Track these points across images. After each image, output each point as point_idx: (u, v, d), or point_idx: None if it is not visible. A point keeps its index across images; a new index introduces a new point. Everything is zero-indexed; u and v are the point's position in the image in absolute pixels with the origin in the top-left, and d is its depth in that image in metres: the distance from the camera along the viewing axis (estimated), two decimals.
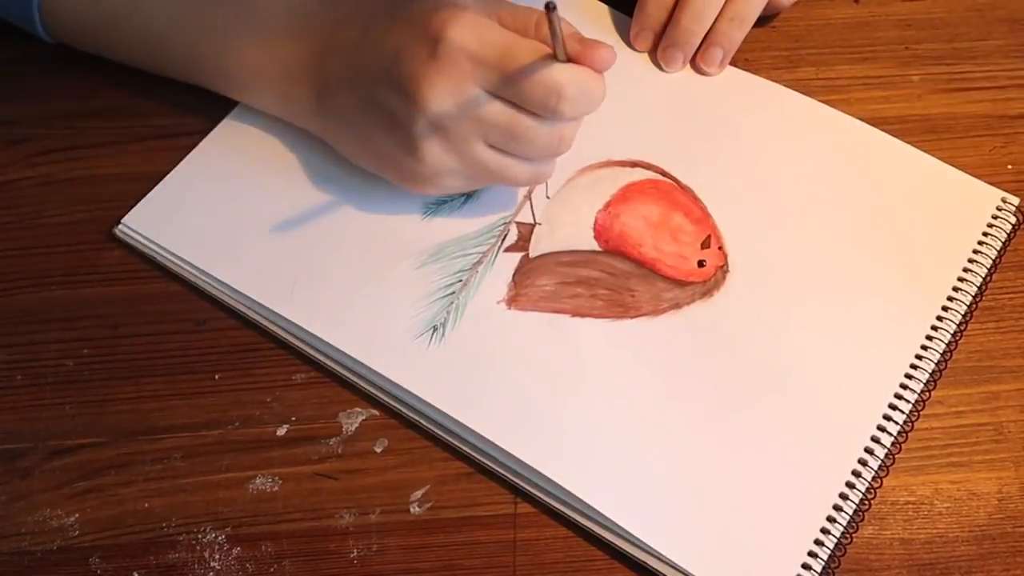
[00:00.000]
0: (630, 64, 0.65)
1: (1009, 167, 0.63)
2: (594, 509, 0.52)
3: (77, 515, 0.53)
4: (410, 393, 0.54)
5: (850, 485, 0.53)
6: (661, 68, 0.65)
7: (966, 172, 0.62)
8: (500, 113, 0.52)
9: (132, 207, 0.60)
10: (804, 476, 0.53)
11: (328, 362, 0.56)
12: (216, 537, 0.52)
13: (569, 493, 0.52)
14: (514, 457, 0.53)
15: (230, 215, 0.59)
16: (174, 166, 0.61)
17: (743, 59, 0.66)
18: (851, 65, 0.67)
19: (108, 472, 0.54)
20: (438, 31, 0.51)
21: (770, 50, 0.67)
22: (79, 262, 0.60)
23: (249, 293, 0.57)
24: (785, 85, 0.65)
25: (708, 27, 0.64)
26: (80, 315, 0.58)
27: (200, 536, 0.52)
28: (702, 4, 0.63)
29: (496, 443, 0.53)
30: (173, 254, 0.58)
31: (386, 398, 0.55)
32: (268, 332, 0.57)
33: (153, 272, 0.59)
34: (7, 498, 0.53)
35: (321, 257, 0.58)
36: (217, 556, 0.52)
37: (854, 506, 0.52)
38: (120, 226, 0.59)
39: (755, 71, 0.66)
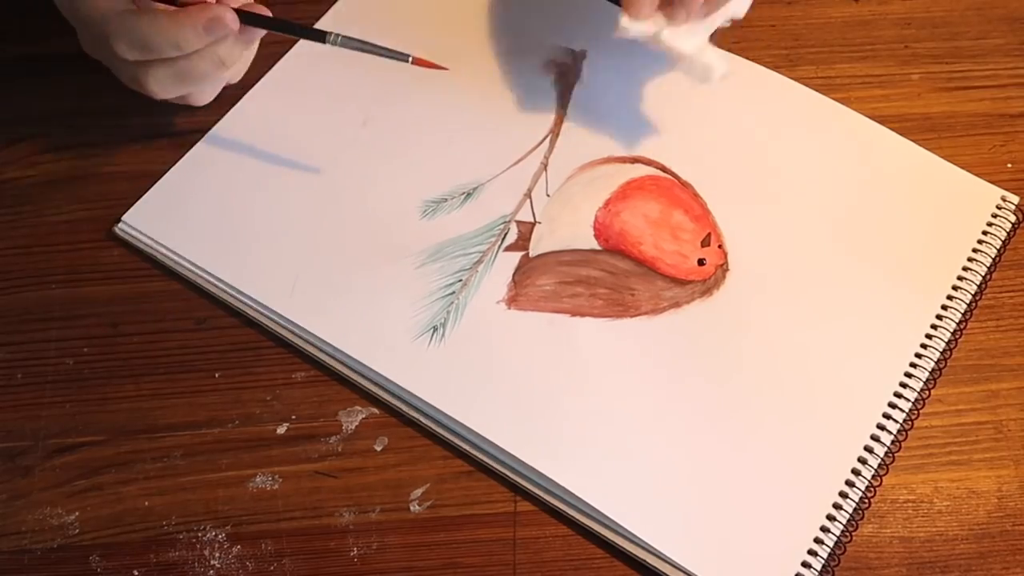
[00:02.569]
0: (631, 59, 0.65)
1: (1009, 166, 0.63)
2: (593, 508, 0.52)
3: (77, 513, 0.53)
4: (410, 393, 0.54)
5: (850, 483, 0.53)
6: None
7: (966, 170, 0.62)
8: None
9: (132, 206, 0.60)
10: (804, 474, 0.53)
11: (328, 360, 0.56)
12: (216, 535, 0.52)
13: (569, 492, 0.52)
14: (514, 456, 0.53)
15: (230, 213, 0.59)
16: (174, 165, 0.61)
17: (743, 57, 0.67)
18: (851, 64, 0.67)
19: (108, 470, 0.54)
20: None
21: (770, 49, 0.67)
22: (79, 261, 0.59)
23: (249, 292, 0.57)
24: None
25: None
26: (80, 313, 0.58)
27: (200, 534, 0.52)
28: None
29: (496, 443, 0.53)
30: (173, 252, 0.58)
31: (386, 396, 0.55)
32: (268, 331, 0.57)
33: (153, 271, 0.59)
34: (7, 496, 0.53)
35: (321, 256, 0.58)
36: (217, 554, 0.52)
37: (854, 504, 0.52)
38: (120, 224, 0.59)
39: None
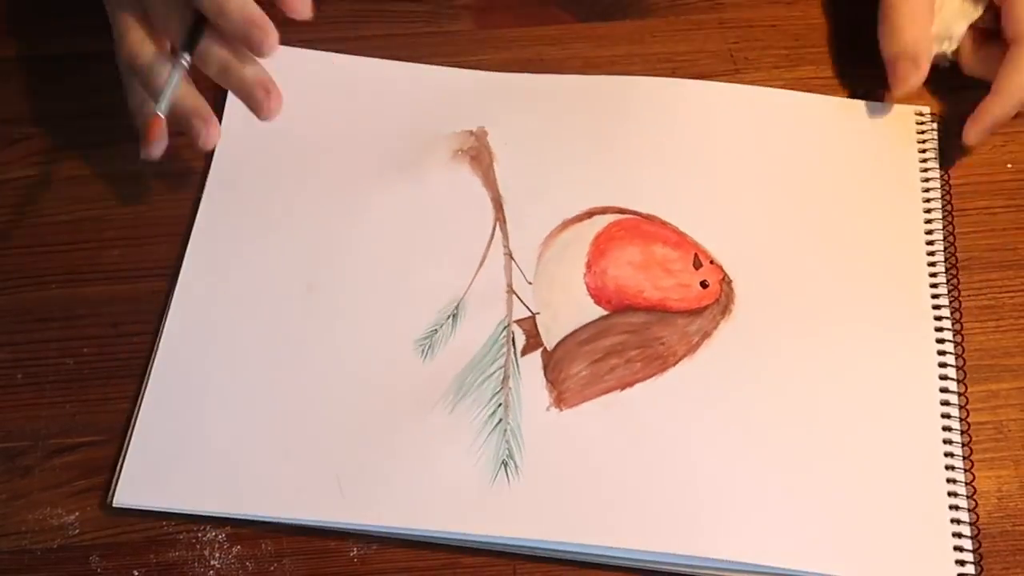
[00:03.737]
0: (531, 118, 0.63)
1: (1009, 166, 0.63)
2: (739, 563, 0.50)
3: (77, 513, 0.53)
4: (519, 540, 0.51)
5: (951, 480, 0.53)
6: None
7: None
8: None
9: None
10: (903, 470, 0.53)
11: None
12: (216, 536, 0.52)
13: (713, 560, 0.51)
14: (648, 551, 0.51)
15: (226, 444, 0.54)
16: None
17: (743, 58, 0.67)
18: (851, 65, 0.66)
19: (108, 470, 0.54)
20: None
21: (770, 49, 0.67)
22: (80, 261, 0.60)
23: (300, 515, 0.52)
24: (785, 84, 0.65)
25: None
26: (80, 314, 0.58)
27: (200, 535, 0.52)
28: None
29: (629, 547, 0.51)
30: (195, 512, 0.52)
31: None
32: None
33: (153, 271, 0.59)
34: (7, 496, 0.53)
35: (349, 447, 0.53)
36: (217, 554, 0.52)
37: (966, 499, 0.53)
38: (115, 501, 0.53)
39: (756, 70, 0.66)
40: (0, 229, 0.60)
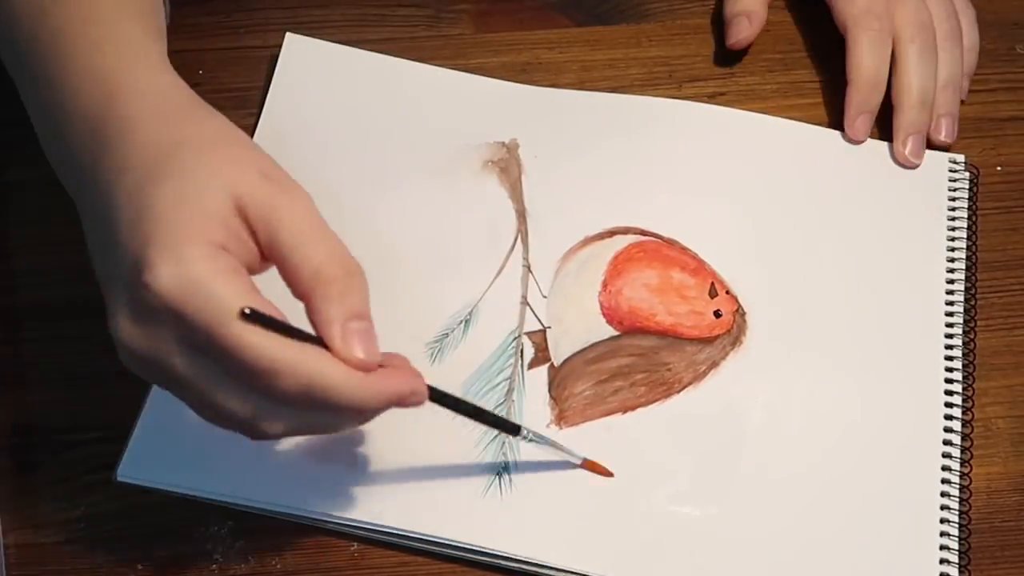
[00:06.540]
0: (563, 134, 0.63)
1: (999, 168, 0.64)
2: None
3: (83, 508, 0.53)
4: (502, 552, 0.51)
5: (946, 481, 0.54)
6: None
7: None
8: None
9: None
10: (902, 480, 0.54)
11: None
12: (219, 530, 0.53)
13: None
14: None
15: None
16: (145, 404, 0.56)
17: (739, 62, 0.67)
18: (844, 68, 0.67)
19: (114, 466, 0.54)
20: (136, 278, 0.43)
21: (764, 53, 0.68)
22: (85, 260, 0.60)
23: (297, 507, 0.52)
24: (779, 87, 0.66)
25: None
26: (87, 312, 0.58)
27: (204, 529, 0.53)
28: (925, 80, 0.63)
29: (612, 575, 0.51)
30: (191, 488, 0.53)
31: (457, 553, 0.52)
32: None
33: None
34: (16, 491, 0.54)
35: (354, 441, 0.53)
36: (220, 549, 0.52)
37: (958, 501, 0.53)
38: (119, 476, 0.53)
39: (750, 73, 0.67)
40: (9, 229, 0.61)
